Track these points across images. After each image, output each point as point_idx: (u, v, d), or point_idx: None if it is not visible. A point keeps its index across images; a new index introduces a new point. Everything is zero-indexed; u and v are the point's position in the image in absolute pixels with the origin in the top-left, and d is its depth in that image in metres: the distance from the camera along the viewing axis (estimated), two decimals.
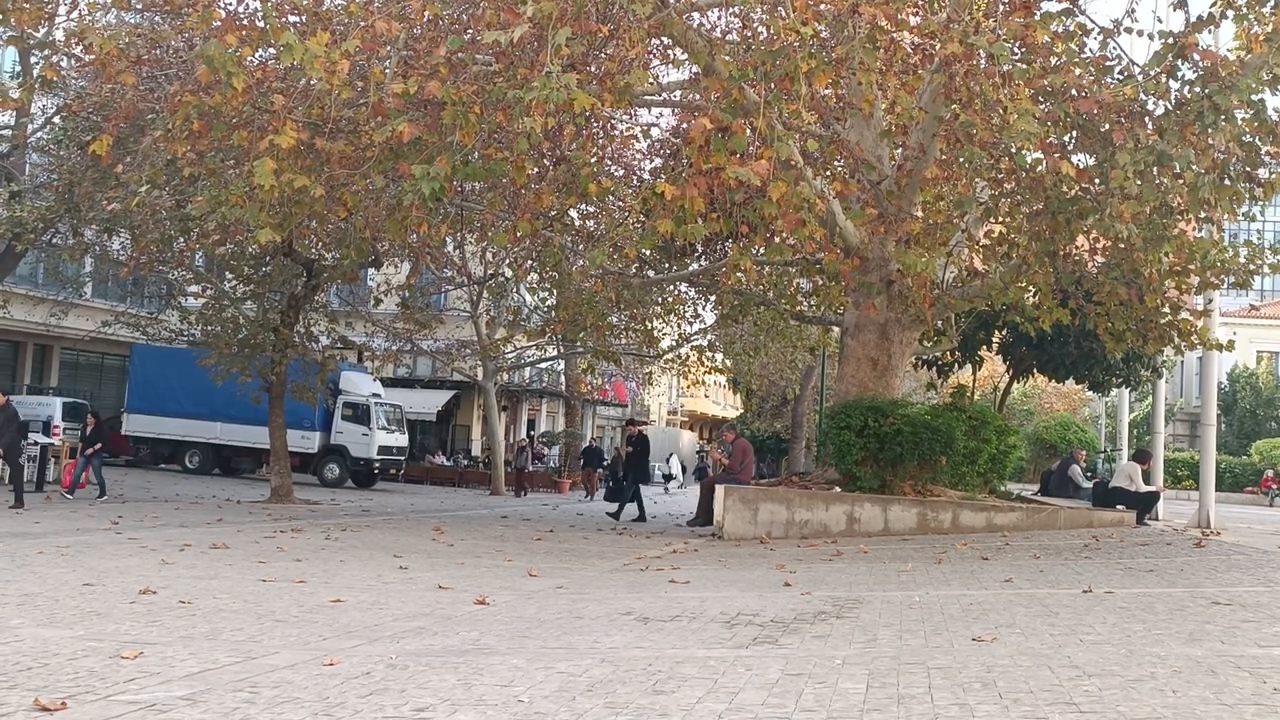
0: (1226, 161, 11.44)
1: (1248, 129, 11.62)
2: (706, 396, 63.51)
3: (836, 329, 18.60)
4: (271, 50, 11.17)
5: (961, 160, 12.93)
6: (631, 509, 19.74)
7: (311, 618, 6.26)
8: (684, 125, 15.85)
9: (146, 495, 18.87)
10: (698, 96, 13.15)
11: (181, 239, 18.95)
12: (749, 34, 13.65)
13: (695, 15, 13.75)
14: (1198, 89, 11.17)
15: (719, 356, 30.45)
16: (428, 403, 37.02)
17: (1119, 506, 16.83)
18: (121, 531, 11.62)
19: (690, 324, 26.02)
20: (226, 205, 11.61)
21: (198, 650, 5.07)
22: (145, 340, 28.74)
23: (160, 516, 14.30)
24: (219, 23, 10.58)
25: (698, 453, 49.69)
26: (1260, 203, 12.65)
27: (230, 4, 13.03)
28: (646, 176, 18.51)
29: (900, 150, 14.40)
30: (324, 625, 6.00)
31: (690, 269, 19.89)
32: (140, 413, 29.03)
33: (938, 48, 10.62)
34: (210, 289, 21.88)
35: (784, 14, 9.63)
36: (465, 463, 36.92)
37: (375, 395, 29.94)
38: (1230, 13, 11.49)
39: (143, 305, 32.18)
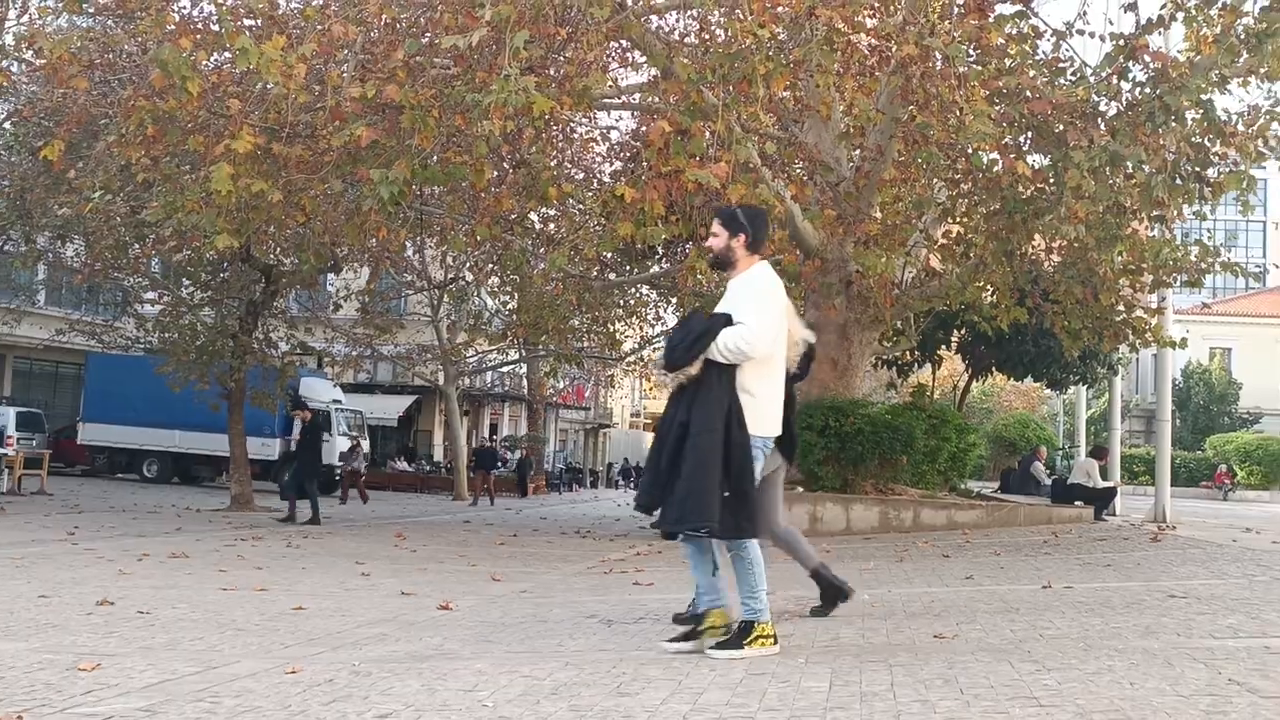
0: (1177, 161, 11.61)
1: (1197, 129, 11.80)
2: None
3: None
4: (227, 54, 11.08)
5: (919, 161, 13.04)
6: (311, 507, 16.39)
7: (273, 626, 6.22)
8: (643, 128, 15.88)
9: (103, 505, 18.63)
10: (656, 99, 13.17)
11: (137, 245, 18.74)
12: (707, 37, 13.71)
13: (653, 18, 13.78)
14: (1148, 90, 11.33)
15: None
16: (388, 408, 36.83)
17: (1077, 503, 17.03)
18: (78, 542, 11.47)
19: (652, 326, 26.06)
20: (182, 211, 11.49)
21: (157, 661, 5.02)
22: (101, 348, 28.39)
23: (117, 526, 14.12)
24: (173, 26, 10.49)
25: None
26: (1210, 202, 12.86)
27: (184, 8, 12.93)
28: (606, 179, 18.52)
29: (858, 152, 14.50)
30: (286, 633, 5.95)
31: (651, 271, 19.92)
32: (96, 421, 28.67)
33: (894, 49, 10.71)
34: (167, 295, 21.63)
35: (741, 16, 9.68)
36: (428, 468, 36.75)
37: (336, 401, 29.73)
38: (1180, 15, 11.67)
39: (98, 312, 31.75)
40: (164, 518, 16.29)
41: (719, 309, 5.06)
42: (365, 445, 31.36)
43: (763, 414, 5.00)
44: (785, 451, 5.89)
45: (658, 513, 4.98)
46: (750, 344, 4.85)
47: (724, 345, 4.84)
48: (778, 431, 5.14)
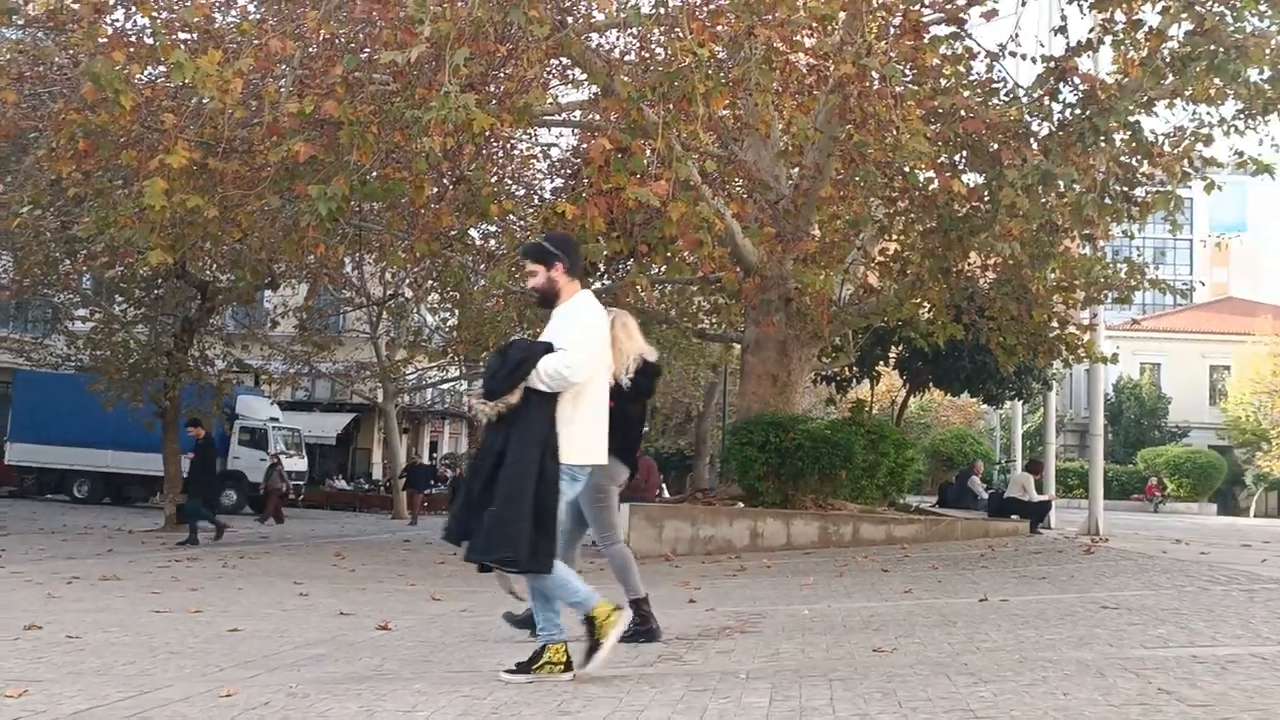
0: (1106, 181, 11.88)
1: (1126, 149, 12.08)
2: None
3: (737, 346, 18.80)
4: (161, 68, 10.93)
5: (857, 179, 13.19)
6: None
7: (208, 648, 6.11)
8: (583, 145, 15.92)
9: (32, 527, 18.20)
10: (597, 117, 13.21)
11: (67, 261, 18.38)
12: (647, 55, 13.79)
13: (594, 36, 13.83)
14: (1078, 111, 11.58)
15: None
16: (327, 426, 36.42)
17: (1013, 516, 17.28)
18: (4, 565, 11.19)
19: None
20: (115, 226, 11.30)
21: (87, 686, 4.91)
22: (29, 366, 27.76)
23: (47, 548, 13.80)
24: (106, 39, 10.31)
25: None
26: (1138, 221, 13.15)
27: (118, 21, 12.71)
28: (547, 196, 18.52)
29: (797, 170, 14.64)
30: (221, 655, 5.85)
31: (593, 288, 19.89)
32: (24, 441, 28.02)
33: (832, 69, 10.84)
34: (99, 312, 21.24)
35: (681, 35, 9.74)
36: (366, 487, 36.36)
37: (273, 419, 29.35)
38: (1108, 38, 11.97)
39: (26, 330, 31.07)
40: (95, 539, 15.95)
41: (542, 337, 5.02)
42: (301, 463, 30.99)
43: (580, 441, 4.95)
44: (627, 464, 6.07)
45: (466, 544, 4.87)
46: (571, 369, 4.80)
47: (545, 372, 4.78)
48: (595, 460, 5.08)
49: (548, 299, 5.12)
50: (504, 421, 4.82)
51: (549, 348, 4.86)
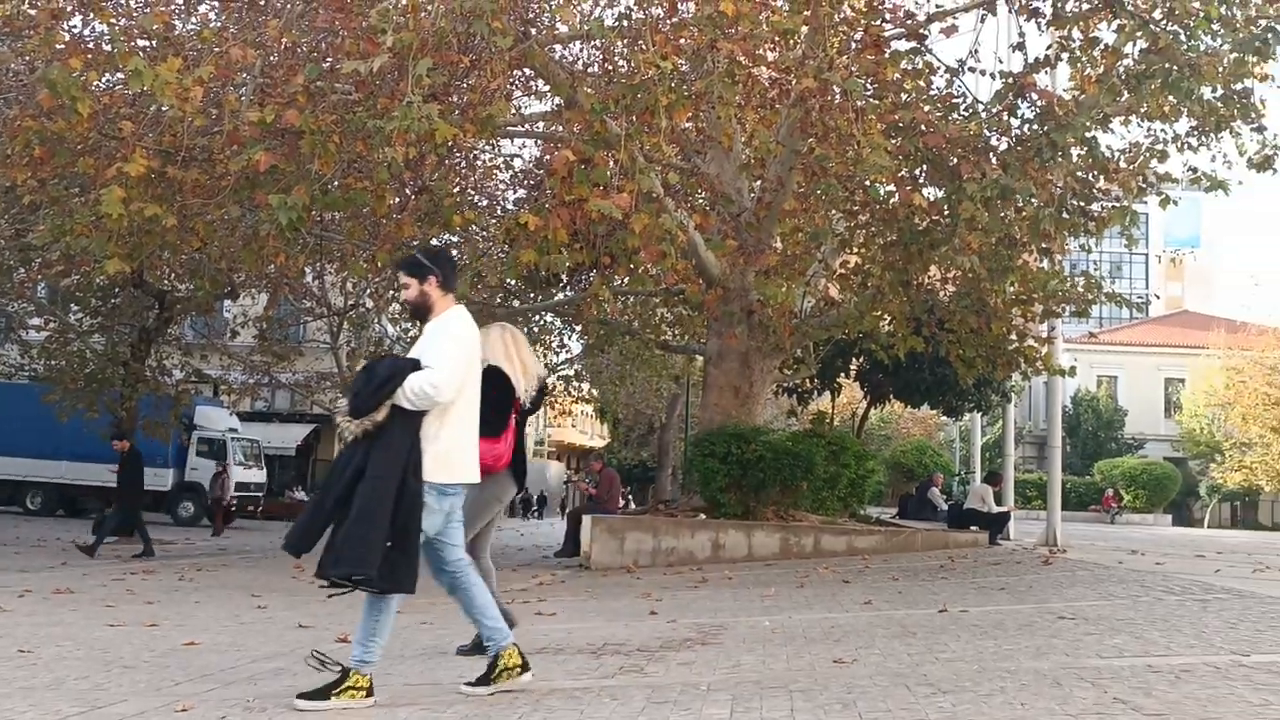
0: (1064, 196, 12.02)
1: (1083, 165, 12.25)
2: (574, 426, 63.43)
3: (700, 358, 18.84)
4: (120, 75, 10.83)
5: (818, 192, 13.28)
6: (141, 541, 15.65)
7: (163, 662, 6.04)
8: (546, 156, 15.91)
9: None
10: (560, 128, 13.22)
11: (22, 269, 18.17)
12: (610, 67, 13.81)
13: (557, 47, 13.84)
14: (1036, 126, 11.73)
15: (586, 386, 30.51)
16: (287, 437, 36.11)
17: (973, 527, 17.42)
18: None
19: (557, 354, 25.98)
20: (71, 234, 11.15)
21: (39, 701, 4.84)
22: None
23: None
24: (63, 45, 10.20)
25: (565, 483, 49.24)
26: (1094, 236, 13.32)
27: (75, 27, 12.58)
28: (510, 207, 18.50)
29: (759, 183, 14.72)
30: (176, 669, 5.78)
31: (555, 299, 19.91)
32: None
33: (794, 83, 10.91)
34: (54, 321, 20.98)
35: (644, 48, 9.78)
36: None
37: (232, 430, 29.08)
38: (1065, 55, 12.13)
39: None
40: (48, 552, 15.70)
41: (412, 353, 4.94)
42: (260, 475, 30.70)
43: (446, 459, 4.85)
44: (517, 480, 6.23)
45: (309, 556, 4.72)
46: (437, 388, 4.71)
47: (411, 390, 4.69)
48: (464, 478, 4.97)
49: (420, 313, 5.03)
50: (367, 438, 4.70)
51: (416, 365, 4.77)
